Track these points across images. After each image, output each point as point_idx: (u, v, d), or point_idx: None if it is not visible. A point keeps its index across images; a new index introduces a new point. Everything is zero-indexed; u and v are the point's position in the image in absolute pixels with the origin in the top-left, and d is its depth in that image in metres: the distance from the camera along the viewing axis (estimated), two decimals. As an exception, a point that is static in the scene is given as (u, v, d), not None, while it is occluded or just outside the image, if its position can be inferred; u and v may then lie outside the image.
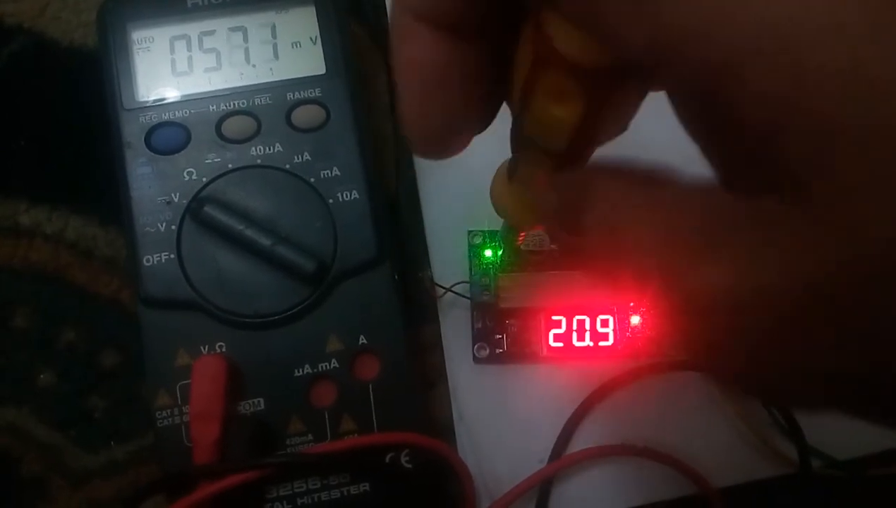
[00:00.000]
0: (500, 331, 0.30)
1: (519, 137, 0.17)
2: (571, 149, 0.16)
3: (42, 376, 0.30)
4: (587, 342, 0.29)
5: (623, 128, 0.16)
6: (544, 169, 0.17)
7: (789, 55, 0.10)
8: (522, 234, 0.29)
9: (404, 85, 0.15)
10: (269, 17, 0.29)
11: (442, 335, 0.30)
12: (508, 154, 0.19)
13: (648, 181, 0.14)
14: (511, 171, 0.19)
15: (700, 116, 0.12)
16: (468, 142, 0.17)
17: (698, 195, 0.13)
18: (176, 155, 0.28)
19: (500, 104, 0.17)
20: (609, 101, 0.14)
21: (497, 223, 0.30)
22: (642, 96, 0.15)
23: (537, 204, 0.18)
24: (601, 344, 0.29)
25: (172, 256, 0.27)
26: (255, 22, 0.29)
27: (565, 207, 0.16)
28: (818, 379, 0.12)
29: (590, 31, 0.12)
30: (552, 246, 0.30)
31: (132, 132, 0.28)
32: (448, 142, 0.16)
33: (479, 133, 0.17)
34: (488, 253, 0.30)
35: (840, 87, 0.10)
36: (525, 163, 0.18)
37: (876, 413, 0.13)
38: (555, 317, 0.30)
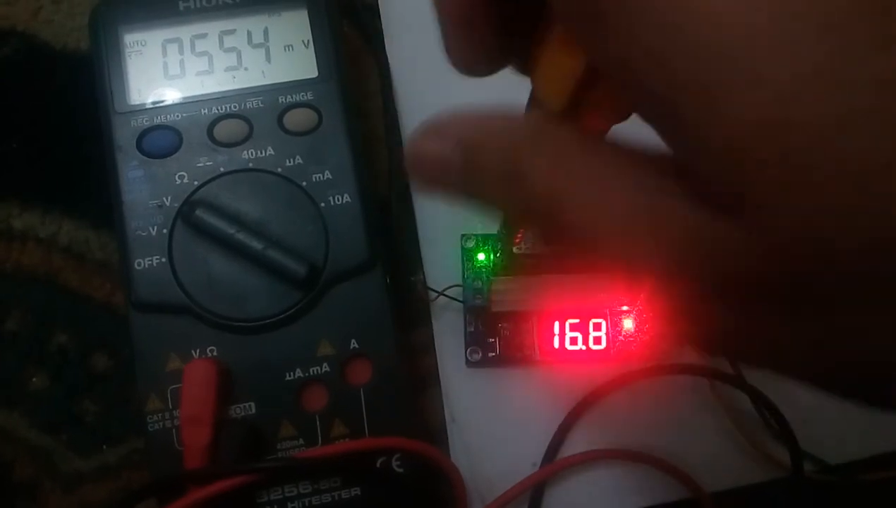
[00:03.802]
0: (493, 335, 0.30)
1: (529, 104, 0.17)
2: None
3: (34, 379, 0.30)
4: (580, 346, 0.29)
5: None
6: None
7: (720, 94, 0.11)
8: (521, 231, 0.28)
9: (439, 19, 0.17)
10: (261, 20, 0.29)
11: (434, 339, 0.30)
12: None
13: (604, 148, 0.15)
14: None
15: (656, 126, 0.13)
16: (504, 66, 0.18)
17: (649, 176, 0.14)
18: (167, 158, 0.28)
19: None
20: None
21: (491, 227, 0.30)
22: None
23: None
24: (594, 347, 0.29)
25: (164, 260, 0.27)
26: (247, 25, 0.29)
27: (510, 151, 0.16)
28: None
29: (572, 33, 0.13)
30: (545, 248, 0.30)
31: (124, 135, 0.28)
32: (479, 68, 0.17)
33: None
34: (481, 256, 0.30)
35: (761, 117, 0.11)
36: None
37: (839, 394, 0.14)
38: (547, 321, 0.30)
